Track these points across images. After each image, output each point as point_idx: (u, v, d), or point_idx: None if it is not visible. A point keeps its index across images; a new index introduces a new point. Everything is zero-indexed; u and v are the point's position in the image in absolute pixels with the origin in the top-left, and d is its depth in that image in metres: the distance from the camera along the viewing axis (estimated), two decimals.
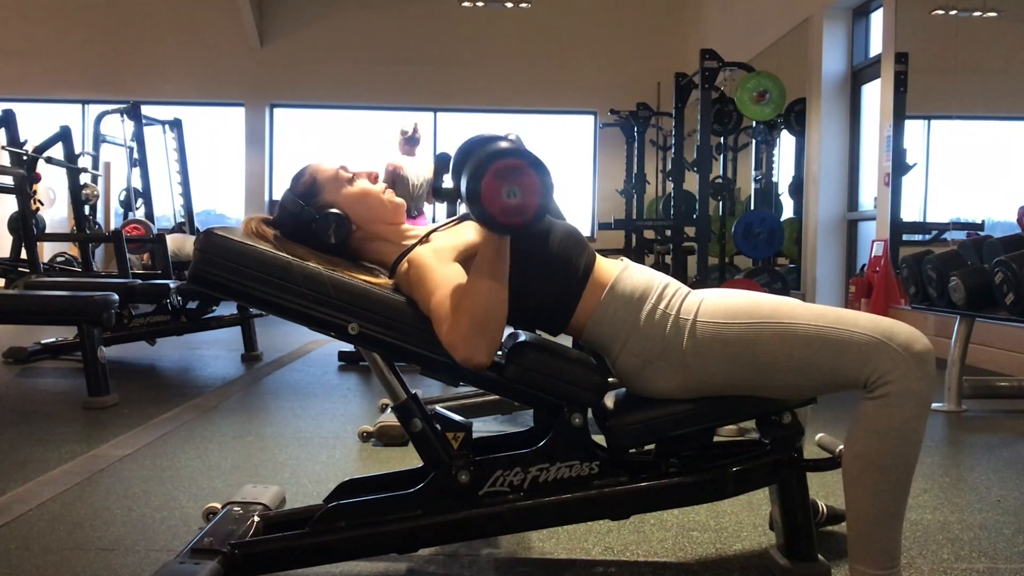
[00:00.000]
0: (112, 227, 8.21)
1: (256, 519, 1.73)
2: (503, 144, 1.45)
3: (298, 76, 11.35)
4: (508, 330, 1.65)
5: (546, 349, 1.64)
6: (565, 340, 1.83)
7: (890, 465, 1.49)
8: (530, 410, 2.16)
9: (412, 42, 11.35)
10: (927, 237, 5.97)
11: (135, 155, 7.81)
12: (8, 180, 5.15)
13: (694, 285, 2.21)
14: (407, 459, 2.55)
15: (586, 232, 10.42)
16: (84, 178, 6.47)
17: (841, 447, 1.72)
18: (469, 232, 1.63)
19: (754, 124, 6.98)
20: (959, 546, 1.99)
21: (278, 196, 1.77)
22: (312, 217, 1.68)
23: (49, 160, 6.02)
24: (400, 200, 1.76)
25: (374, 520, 1.58)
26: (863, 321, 1.53)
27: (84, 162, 6.99)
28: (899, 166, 5.89)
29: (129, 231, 7.01)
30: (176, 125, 8.17)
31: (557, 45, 11.36)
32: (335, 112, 11.64)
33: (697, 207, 6.24)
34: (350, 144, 11.48)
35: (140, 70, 11.20)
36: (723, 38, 9.01)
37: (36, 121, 7.62)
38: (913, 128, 6.12)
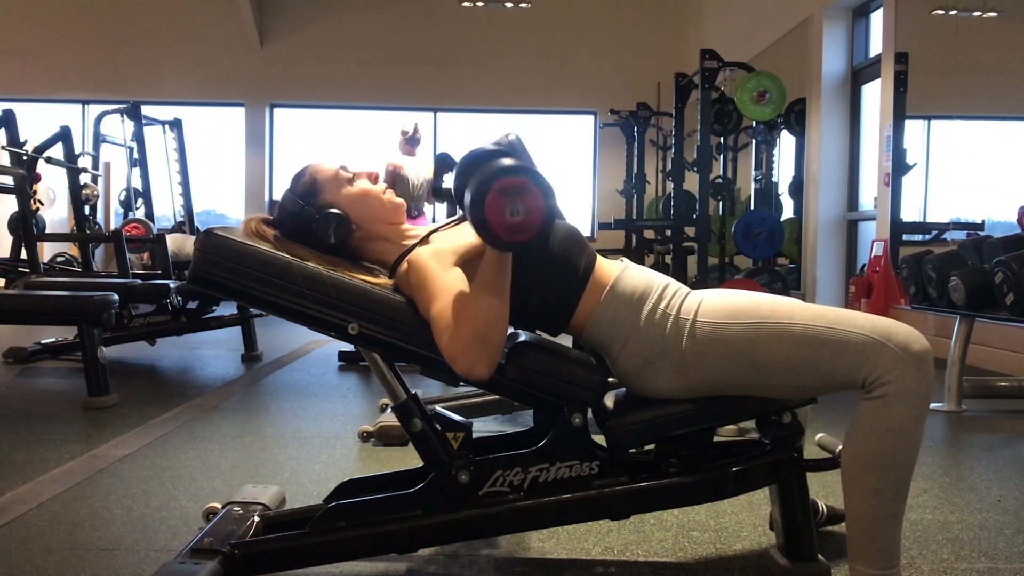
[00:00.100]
0: (112, 227, 8.21)
1: (256, 519, 1.73)
2: (506, 161, 1.44)
3: (298, 76, 11.36)
4: (508, 330, 1.65)
5: (546, 349, 1.64)
6: (565, 340, 1.83)
7: (889, 465, 1.49)
8: (530, 410, 2.16)
9: (412, 42, 11.35)
10: (927, 237, 5.97)
11: (135, 155, 7.81)
12: (8, 180, 5.15)
13: (694, 285, 2.21)
14: (407, 459, 2.55)
15: (586, 232, 10.41)
16: (84, 178, 6.47)
17: (841, 447, 1.72)
18: (469, 233, 1.63)
19: (754, 124, 6.98)
20: (959, 546, 1.99)
21: (278, 196, 1.77)
22: (312, 217, 1.68)
23: (49, 160, 6.02)
24: (400, 200, 1.76)
25: (374, 520, 1.58)
26: (861, 321, 1.53)
27: (84, 162, 6.99)
28: (899, 166, 5.88)
29: (129, 230, 7.02)
30: (176, 125, 8.18)
31: (557, 45, 11.36)
32: (335, 112, 11.64)
33: (697, 207, 6.24)
34: (350, 144, 11.48)
35: (140, 70, 11.20)
36: (723, 38, 9.01)
37: (36, 121, 7.62)
38: (913, 128, 6.12)
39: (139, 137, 7.75)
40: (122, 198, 8.45)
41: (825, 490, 2.36)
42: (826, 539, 1.94)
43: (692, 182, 6.74)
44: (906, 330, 1.52)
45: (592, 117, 11.46)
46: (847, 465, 1.54)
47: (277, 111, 11.71)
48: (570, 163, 11.74)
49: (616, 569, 1.81)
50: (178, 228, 8.13)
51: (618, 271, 1.64)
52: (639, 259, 7.53)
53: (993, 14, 6.04)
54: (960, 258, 3.73)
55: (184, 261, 6.15)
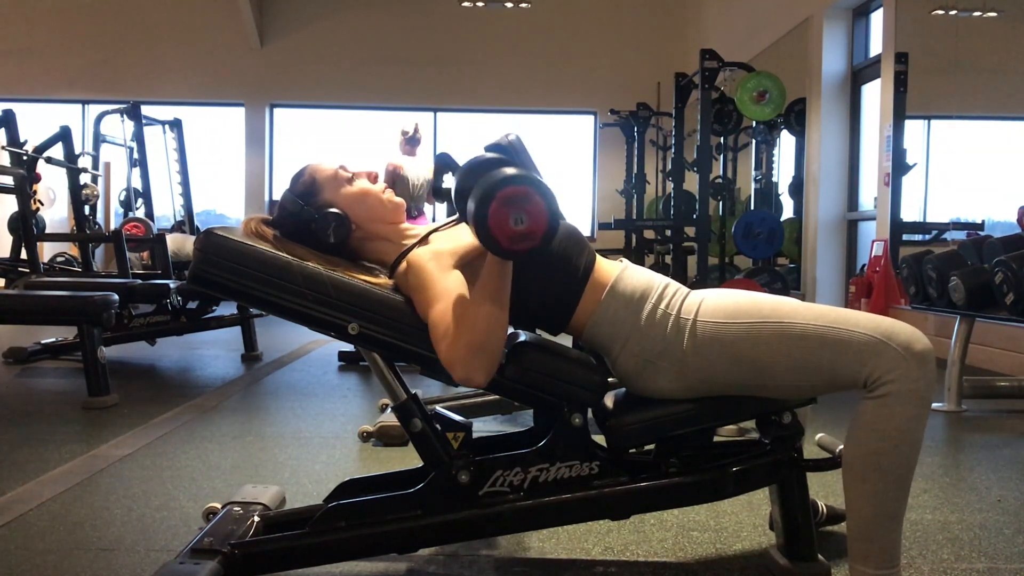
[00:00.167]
0: (112, 227, 8.21)
1: (256, 519, 1.73)
2: (509, 170, 1.44)
3: (298, 76, 11.36)
4: (509, 330, 1.65)
5: (546, 349, 1.64)
6: (565, 340, 1.83)
7: (890, 465, 1.49)
8: (530, 410, 2.16)
9: (412, 42, 11.35)
10: (927, 237, 5.97)
11: (135, 155, 7.81)
12: (8, 180, 5.15)
13: (694, 285, 2.22)
14: (407, 459, 2.55)
15: (586, 232, 10.41)
16: (84, 178, 6.47)
17: (841, 447, 1.72)
18: (468, 233, 1.63)
19: (754, 124, 6.98)
20: (959, 546, 1.99)
21: (278, 196, 1.76)
22: (311, 217, 1.68)
23: (49, 160, 6.02)
24: (400, 199, 1.76)
25: (374, 520, 1.58)
26: (863, 321, 1.53)
27: (84, 162, 6.99)
28: (899, 166, 5.88)
29: (129, 229, 7.02)
30: (176, 125, 8.18)
31: (557, 45, 11.36)
32: (335, 112, 11.64)
33: (697, 207, 6.24)
34: (350, 144, 11.49)
35: (140, 70, 11.20)
36: (723, 38, 9.01)
37: (36, 121, 7.62)
38: (913, 128, 6.12)
39: (139, 137, 7.75)
40: (122, 198, 8.45)
41: (825, 490, 2.36)
42: (826, 539, 1.94)
43: (692, 182, 6.74)
44: (908, 330, 1.52)
45: (592, 117, 11.46)
46: (848, 464, 1.54)
47: (277, 111, 11.71)
48: (570, 163, 11.74)
49: (616, 569, 1.81)
50: (178, 227, 8.13)
51: (618, 271, 1.64)
52: (639, 259, 7.53)
53: (993, 14, 6.04)
54: (960, 258, 3.73)
55: (184, 261, 6.15)
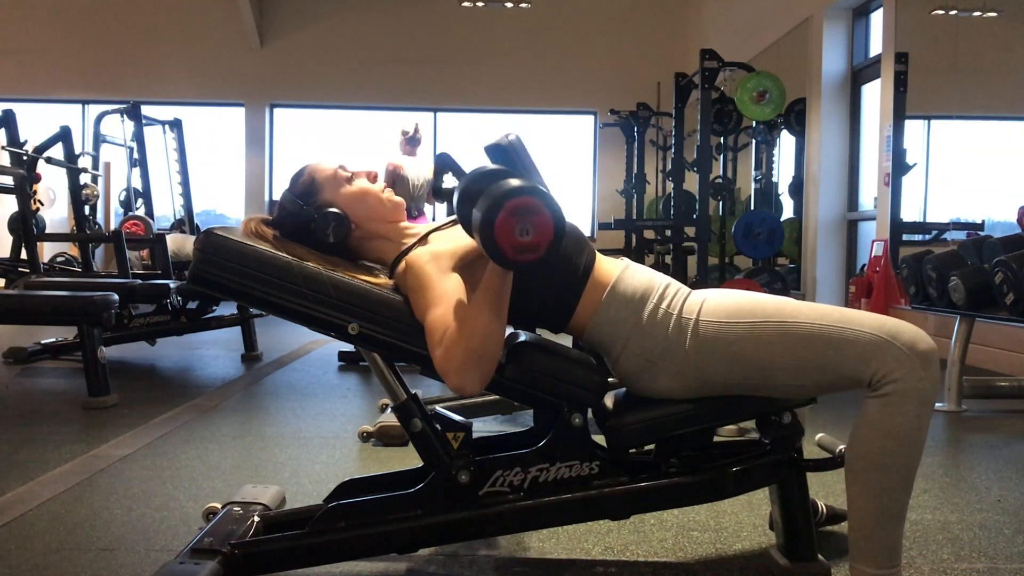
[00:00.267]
0: (112, 227, 8.21)
1: (256, 519, 1.73)
2: (515, 181, 1.44)
3: (298, 76, 11.35)
4: (508, 330, 1.64)
5: (546, 349, 1.64)
6: (565, 340, 1.83)
7: (893, 464, 1.49)
8: (530, 410, 2.16)
9: (412, 42, 11.35)
10: (927, 237, 5.97)
11: (135, 155, 7.81)
12: (8, 180, 5.15)
13: (694, 285, 2.22)
14: (407, 459, 2.55)
15: (586, 232, 10.41)
16: (84, 178, 6.47)
17: (841, 447, 1.72)
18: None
19: (754, 124, 6.97)
20: (959, 546, 1.99)
21: (278, 196, 1.76)
22: (311, 217, 1.68)
23: (49, 160, 6.02)
24: (399, 199, 1.76)
25: (374, 520, 1.58)
26: (867, 320, 1.53)
27: (84, 162, 6.99)
28: (899, 166, 5.88)
29: (128, 227, 7.02)
30: (176, 125, 8.17)
31: (557, 45, 11.36)
32: (335, 112, 11.64)
33: (697, 207, 6.24)
34: (350, 144, 11.49)
35: (140, 70, 11.20)
36: (723, 38, 9.01)
37: (36, 121, 7.62)
38: (913, 128, 6.12)
39: (139, 137, 7.75)
40: (122, 198, 8.45)
41: (825, 490, 2.36)
42: (826, 539, 1.94)
43: (692, 182, 6.74)
44: (912, 329, 1.52)
45: (592, 117, 11.46)
46: (851, 463, 1.54)
47: (277, 111, 11.71)
48: (570, 163, 11.74)
49: (616, 569, 1.81)
50: (177, 225, 8.12)
51: (619, 271, 1.64)
52: (639, 259, 7.52)
53: (993, 14, 6.04)
54: (960, 258, 3.73)
55: (184, 261, 6.15)
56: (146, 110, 7.91)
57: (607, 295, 1.60)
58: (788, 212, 7.71)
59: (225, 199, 12.13)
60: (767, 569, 1.81)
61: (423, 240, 1.68)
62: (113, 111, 7.74)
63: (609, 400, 1.67)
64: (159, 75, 11.20)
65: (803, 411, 1.71)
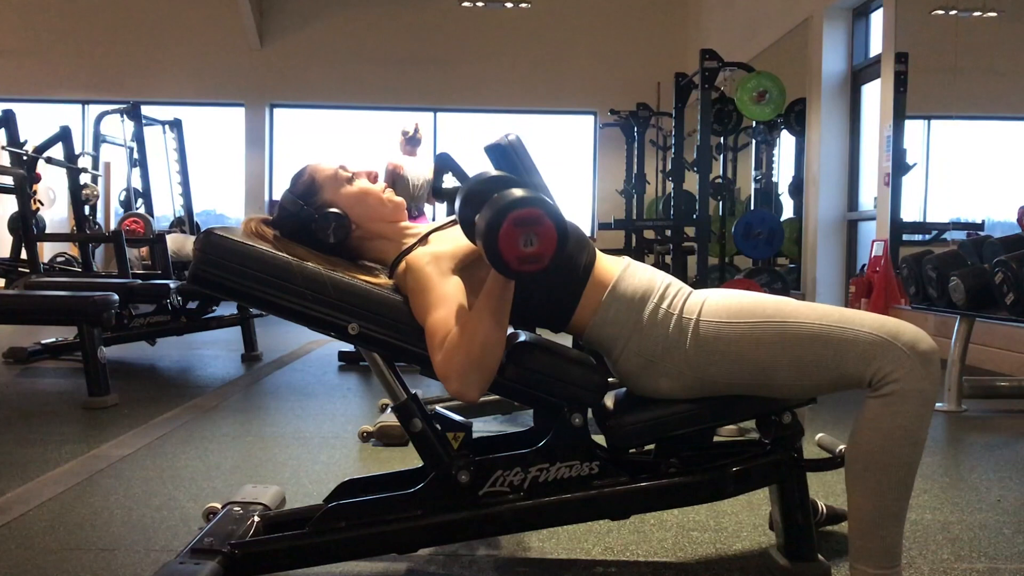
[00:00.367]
0: (112, 227, 8.21)
1: (256, 519, 1.73)
2: (519, 192, 1.44)
3: (298, 76, 11.36)
4: (508, 330, 1.64)
5: (546, 349, 1.64)
6: (565, 340, 1.83)
7: (893, 464, 1.49)
8: (530, 410, 2.16)
9: (412, 42, 11.35)
10: (927, 237, 5.98)
11: (135, 155, 7.81)
12: (8, 180, 5.16)
13: (694, 285, 2.22)
14: (407, 459, 2.55)
15: (586, 232, 10.41)
16: (84, 178, 6.46)
17: (841, 447, 1.72)
18: None
19: (754, 124, 6.97)
20: (959, 546, 1.99)
21: (278, 196, 1.76)
22: (311, 217, 1.68)
23: (49, 160, 6.02)
24: (400, 199, 1.76)
25: (374, 520, 1.58)
26: (868, 320, 1.53)
27: (84, 162, 6.99)
28: (899, 166, 5.88)
29: (128, 224, 7.02)
30: (176, 125, 8.17)
31: (557, 45, 11.36)
32: (335, 112, 11.64)
33: (697, 207, 6.24)
34: (350, 144, 11.49)
35: (140, 70, 11.20)
36: (723, 38, 9.01)
37: (36, 121, 7.62)
38: (913, 128, 6.12)
39: (139, 137, 7.74)
40: (122, 198, 8.45)
41: (825, 490, 2.36)
42: (826, 539, 1.94)
43: (692, 182, 6.74)
44: (912, 329, 1.52)
45: (592, 117, 11.46)
46: (851, 462, 1.54)
47: (277, 111, 11.71)
48: (570, 163, 11.74)
49: (616, 569, 1.81)
50: (176, 223, 8.12)
51: (619, 270, 1.64)
52: (639, 259, 7.50)
53: (993, 14, 6.04)
54: (960, 258, 3.73)
55: (184, 261, 6.15)
56: (146, 110, 7.91)
57: (607, 295, 1.60)
58: (788, 212, 7.71)
59: (225, 199, 12.14)
60: (767, 569, 1.81)
61: (423, 240, 1.68)
62: (113, 111, 7.74)
63: (609, 400, 1.67)
64: (159, 75, 11.20)
65: (803, 411, 1.71)
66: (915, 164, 5.97)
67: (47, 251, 8.02)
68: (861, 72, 6.96)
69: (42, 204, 7.79)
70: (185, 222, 8.04)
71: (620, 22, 11.34)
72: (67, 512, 2.17)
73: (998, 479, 2.60)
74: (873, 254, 5.90)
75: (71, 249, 8.42)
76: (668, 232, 6.86)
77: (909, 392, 1.48)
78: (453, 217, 1.74)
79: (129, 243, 5.93)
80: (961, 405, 3.66)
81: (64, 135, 6.14)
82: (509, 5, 10.79)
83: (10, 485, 2.37)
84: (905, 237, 5.93)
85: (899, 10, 6.12)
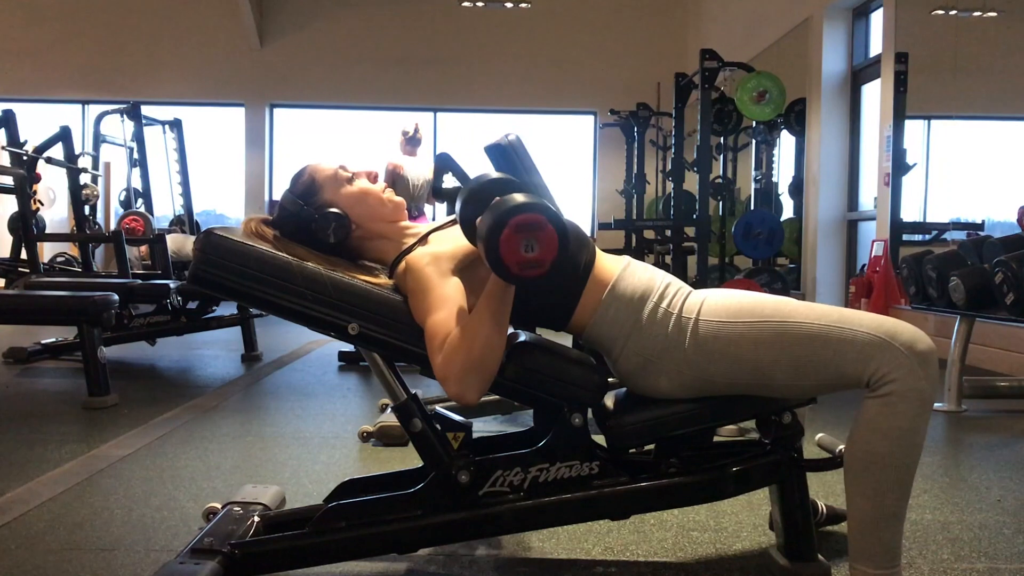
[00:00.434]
0: (112, 227, 8.21)
1: (256, 519, 1.73)
2: (521, 197, 1.43)
3: (298, 76, 11.36)
4: (508, 330, 1.65)
5: (546, 349, 1.64)
6: (565, 339, 1.83)
7: (892, 464, 1.49)
8: (530, 410, 2.16)
9: (412, 42, 11.35)
10: (927, 237, 5.98)
11: (135, 155, 7.81)
12: (8, 180, 5.16)
13: (694, 285, 2.21)
14: (407, 459, 2.55)
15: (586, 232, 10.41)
16: (84, 178, 6.47)
17: (841, 447, 1.72)
18: None
19: (754, 124, 6.97)
20: (959, 546, 1.99)
21: (278, 196, 1.77)
22: (311, 217, 1.68)
23: (49, 160, 6.02)
24: (400, 199, 1.76)
25: (374, 520, 1.58)
26: (866, 320, 1.53)
27: (84, 162, 6.99)
28: (899, 166, 5.89)
29: (128, 223, 7.03)
30: (176, 125, 8.18)
31: (557, 45, 11.36)
32: (335, 112, 11.64)
33: (697, 207, 6.24)
34: (350, 144, 11.49)
35: (140, 70, 11.20)
36: (723, 38, 9.01)
37: (36, 121, 7.62)
38: (913, 128, 6.12)
39: (139, 137, 7.75)
40: (122, 198, 8.45)
41: (825, 490, 2.36)
42: (826, 539, 1.94)
43: (692, 182, 6.74)
44: (911, 329, 1.52)
45: (592, 117, 11.46)
46: (850, 463, 1.54)
47: (277, 111, 11.71)
48: (570, 163, 11.74)
49: (616, 569, 1.81)
50: (176, 222, 8.12)
51: (619, 269, 1.64)
52: (639, 259, 7.51)
53: (993, 14, 6.05)
54: (960, 258, 3.73)
55: (184, 261, 6.15)
56: (146, 110, 7.91)
57: (607, 294, 1.60)
58: (788, 212, 7.71)
59: (225, 199, 12.14)
60: (767, 569, 1.81)
61: (423, 240, 1.68)
62: (113, 111, 7.75)
63: (609, 400, 1.67)
64: (159, 75, 11.20)
65: (803, 411, 1.72)
66: (915, 164, 5.97)
67: (47, 251, 8.02)
68: (861, 72, 6.96)
69: (42, 204, 7.79)
70: (185, 222, 8.05)
71: (620, 22, 11.34)
72: (67, 512, 2.17)
73: (998, 479, 2.60)
74: (873, 254, 5.90)
75: (71, 249, 8.42)
76: (668, 232, 6.86)
77: (907, 392, 1.48)
78: (453, 217, 1.74)
79: (129, 241, 5.93)
80: (961, 405, 3.66)
81: (64, 135, 6.14)
82: (509, 5, 10.79)
83: (10, 485, 2.37)
84: (905, 237, 5.93)
85: (899, 10, 6.12)
